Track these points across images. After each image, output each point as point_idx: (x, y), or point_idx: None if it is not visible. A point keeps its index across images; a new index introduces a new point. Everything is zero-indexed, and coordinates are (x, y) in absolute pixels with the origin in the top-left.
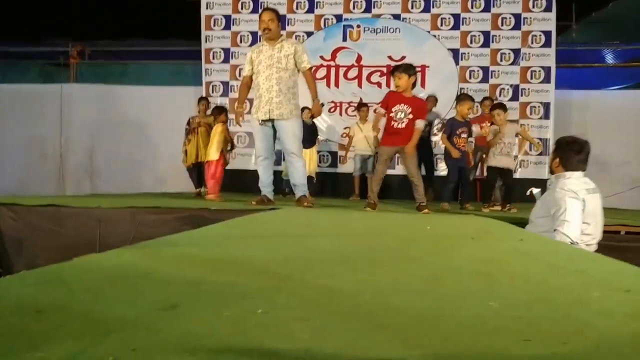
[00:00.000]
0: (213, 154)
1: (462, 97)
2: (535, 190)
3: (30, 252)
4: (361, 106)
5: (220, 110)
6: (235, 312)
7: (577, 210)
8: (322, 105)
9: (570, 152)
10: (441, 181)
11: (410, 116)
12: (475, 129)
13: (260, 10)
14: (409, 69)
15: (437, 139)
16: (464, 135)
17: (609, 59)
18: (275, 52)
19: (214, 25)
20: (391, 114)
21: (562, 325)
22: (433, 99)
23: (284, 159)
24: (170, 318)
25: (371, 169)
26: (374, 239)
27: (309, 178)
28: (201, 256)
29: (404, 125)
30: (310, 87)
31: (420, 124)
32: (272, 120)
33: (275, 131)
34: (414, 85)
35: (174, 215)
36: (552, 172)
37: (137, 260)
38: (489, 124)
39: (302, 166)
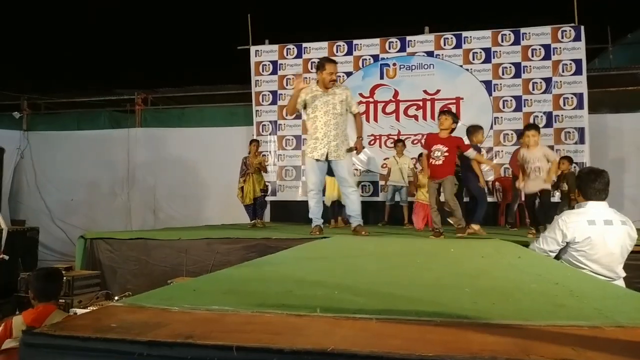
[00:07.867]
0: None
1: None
2: None
3: (123, 278)
4: (397, 142)
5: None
6: (326, 291)
7: (556, 232)
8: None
9: (588, 182)
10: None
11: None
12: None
13: (320, 61)
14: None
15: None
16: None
17: None
18: (329, 97)
19: (263, 71)
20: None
21: (497, 297)
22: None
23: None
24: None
25: (405, 199)
26: (406, 257)
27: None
28: (287, 271)
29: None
30: (358, 128)
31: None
32: (327, 159)
33: (328, 167)
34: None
35: (242, 244)
36: (576, 201)
37: (253, 272)
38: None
39: (358, 198)
